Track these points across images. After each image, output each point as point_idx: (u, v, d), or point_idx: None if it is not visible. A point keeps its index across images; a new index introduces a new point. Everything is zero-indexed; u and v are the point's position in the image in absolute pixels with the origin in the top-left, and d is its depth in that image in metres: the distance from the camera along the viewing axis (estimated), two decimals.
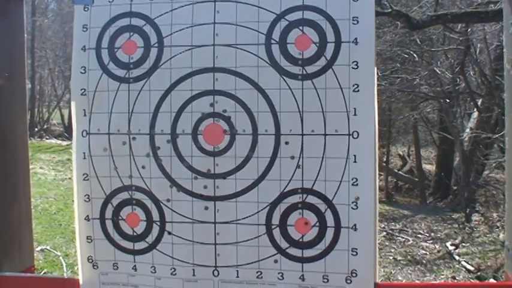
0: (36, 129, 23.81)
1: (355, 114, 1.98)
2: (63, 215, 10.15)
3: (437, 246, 10.00)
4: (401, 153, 18.82)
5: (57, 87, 27.09)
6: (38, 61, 25.34)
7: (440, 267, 8.87)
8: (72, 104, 2.19)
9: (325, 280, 2.03)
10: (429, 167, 16.85)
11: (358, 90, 1.98)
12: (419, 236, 10.76)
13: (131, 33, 2.12)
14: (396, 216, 12.20)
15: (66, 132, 22.72)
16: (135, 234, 2.14)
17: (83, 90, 2.15)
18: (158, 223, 2.12)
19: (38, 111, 25.60)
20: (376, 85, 2.00)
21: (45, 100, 27.29)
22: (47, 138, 22.68)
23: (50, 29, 26.96)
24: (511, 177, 2.05)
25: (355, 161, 1.99)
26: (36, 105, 25.46)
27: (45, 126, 25.18)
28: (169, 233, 2.11)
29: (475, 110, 12.62)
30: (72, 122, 2.19)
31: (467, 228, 10.99)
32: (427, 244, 10.23)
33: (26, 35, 2.47)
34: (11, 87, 2.34)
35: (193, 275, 2.11)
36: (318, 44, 2.00)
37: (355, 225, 2.00)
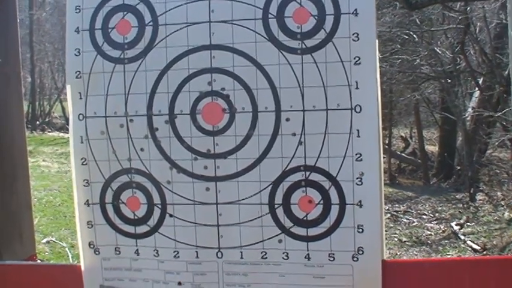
0: (37, 122, 23.80)
1: (357, 88, 1.93)
2: (67, 207, 10.16)
3: (442, 227, 9.99)
4: (403, 135, 18.74)
5: (57, 80, 27.01)
6: (37, 55, 25.28)
7: (445, 248, 8.87)
8: (68, 87, 2.15)
9: (331, 258, 1.99)
10: (432, 148, 16.79)
11: (359, 63, 1.93)
12: (424, 217, 10.74)
13: (125, 13, 2.07)
14: (400, 198, 12.17)
15: (68, 124, 22.65)
16: (136, 217, 2.10)
17: (77, 73, 2.11)
18: (159, 206, 2.08)
19: (39, 105, 25.56)
20: (377, 57, 1.95)
21: (45, 93, 27.22)
22: (49, 131, 22.68)
23: (48, 22, 26.86)
24: None
25: (358, 136, 1.94)
26: (37, 99, 25.44)
27: (46, 119, 25.14)
28: (171, 216, 2.07)
29: (477, 89, 12.56)
30: (69, 105, 2.15)
31: (471, 207, 10.97)
32: (432, 225, 10.21)
33: (18, 20, 2.43)
34: (4, 72, 2.31)
35: (197, 257, 2.07)
36: (316, 17, 1.95)
37: (360, 201, 1.95)
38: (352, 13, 1.93)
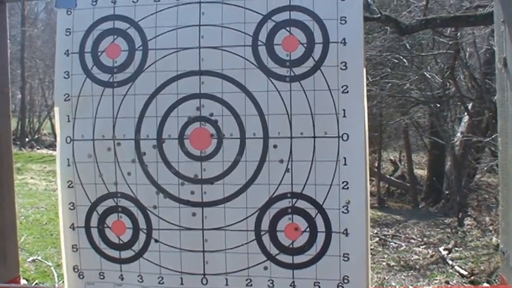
0: (27, 139, 23.68)
1: (344, 116, 1.94)
2: (54, 225, 10.07)
3: (430, 251, 9.98)
4: (392, 158, 18.81)
5: (48, 97, 26.93)
6: (28, 71, 25.24)
7: (433, 272, 8.85)
8: (56, 109, 2.14)
9: (317, 287, 1.98)
10: (421, 172, 16.85)
11: (347, 92, 1.94)
12: (412, 241, 10.74)
13: (115, 37, 2.08)
14: (389, 222, 12.17)
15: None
16: (121, 242, 2.09)
17: (66, 96, 2.10)
18: (145, 231, 2.07)
19: (28, 122, 25.47)
20: (365, 86, 1.96)
21: (35, 110, 27.15)
22: (38, 149, 22.55)
23: (40, 38, 26.86)
24: (504, 178, 2.02)
25: (345, 164, 1.95)
26: (27, 116, 25.35)
27: (36, 137, 25.02)
28: (157, 241, 2.06)
29: (466, 114, 12.65)
30: (56, 128, 2.14)
31: (460, 232, 10.98)
32: (420, 249, 10.20)
33: (8, 39, 2.42)
34: None
35: (181, 283, 2.06)
36: (305, 45, 1.97)
37: (346, 229, 1.95)
38: (341, 42, 1.94)
